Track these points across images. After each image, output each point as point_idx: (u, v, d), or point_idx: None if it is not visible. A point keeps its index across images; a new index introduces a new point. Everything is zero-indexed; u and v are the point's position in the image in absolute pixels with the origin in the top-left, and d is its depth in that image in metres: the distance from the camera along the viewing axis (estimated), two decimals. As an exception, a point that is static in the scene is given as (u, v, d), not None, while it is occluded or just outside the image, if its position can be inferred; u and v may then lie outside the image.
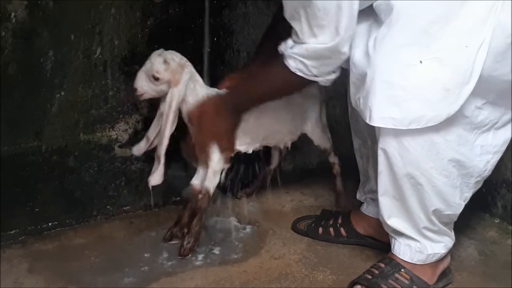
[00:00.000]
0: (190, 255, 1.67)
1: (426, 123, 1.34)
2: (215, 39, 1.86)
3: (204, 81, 1.67)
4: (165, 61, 1.56)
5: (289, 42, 1.46)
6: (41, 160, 1.71)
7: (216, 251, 1.72)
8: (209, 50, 1.80)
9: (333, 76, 1.49)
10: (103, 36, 1.70)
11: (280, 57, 1.48)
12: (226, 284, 1.58)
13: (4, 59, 1.57)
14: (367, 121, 1.37)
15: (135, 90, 1.59)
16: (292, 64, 1.46)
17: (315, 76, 1.47)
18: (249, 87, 1.62)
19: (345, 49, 1.41)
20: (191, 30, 1.82)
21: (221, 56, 1.91)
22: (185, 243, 1.67)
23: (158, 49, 1.77)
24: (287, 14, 1.42)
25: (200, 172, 1.73)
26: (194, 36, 1.83)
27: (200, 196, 1.67)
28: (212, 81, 1.73)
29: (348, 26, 1.37)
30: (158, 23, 1.77)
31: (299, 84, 1.53)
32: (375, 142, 1.60)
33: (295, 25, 1.42)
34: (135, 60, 1.76)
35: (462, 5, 1.32)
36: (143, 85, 1.58)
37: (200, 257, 1.68)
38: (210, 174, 1.66)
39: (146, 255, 1.68)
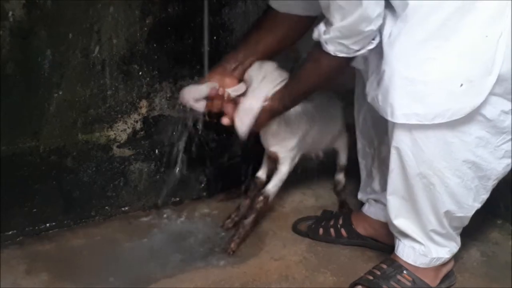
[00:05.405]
0: (232, 252, 1.69)
1: (450, 116, 1.31)
2: (215, 38, 1.85)
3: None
4: None
5: (321, 27, 1.42)
6: (39, 160, 1.70)
7: (216, 251, 1.71)
8: (208, 49, 1.78)
9: (374, 44, 1.40)
10: (101, 35, 1.69)
11: (313, 49, 1.45)
12: (225, 286, 1.57)
13: (1, 58, 1.55)
14: (389, 118, 1.35)
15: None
16: (331, 48, 1.40)
17: (357, 51, 1.40)
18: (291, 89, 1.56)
19: (376, 13, 1.33)
20: (190, 28, 1.81)
21: (221, 55, 1.88)
22: (234, 237, 1.71)
23: (157, 47, 1.76)
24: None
25: (265, 164, 1.81)
26: (193, 35, 1.81)
27: (260, 198, 1.72)
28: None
29: None
30: (157, 22, 1.76)
31: (340, 65, 1.46)
32: (382, 143, 1.59)
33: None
34: (134, 59, 1.76)
35: None
36: None
37: (200, 258, 1.68)
38: (276, 180, 1.74)
39: (145, 256, 1.67)
